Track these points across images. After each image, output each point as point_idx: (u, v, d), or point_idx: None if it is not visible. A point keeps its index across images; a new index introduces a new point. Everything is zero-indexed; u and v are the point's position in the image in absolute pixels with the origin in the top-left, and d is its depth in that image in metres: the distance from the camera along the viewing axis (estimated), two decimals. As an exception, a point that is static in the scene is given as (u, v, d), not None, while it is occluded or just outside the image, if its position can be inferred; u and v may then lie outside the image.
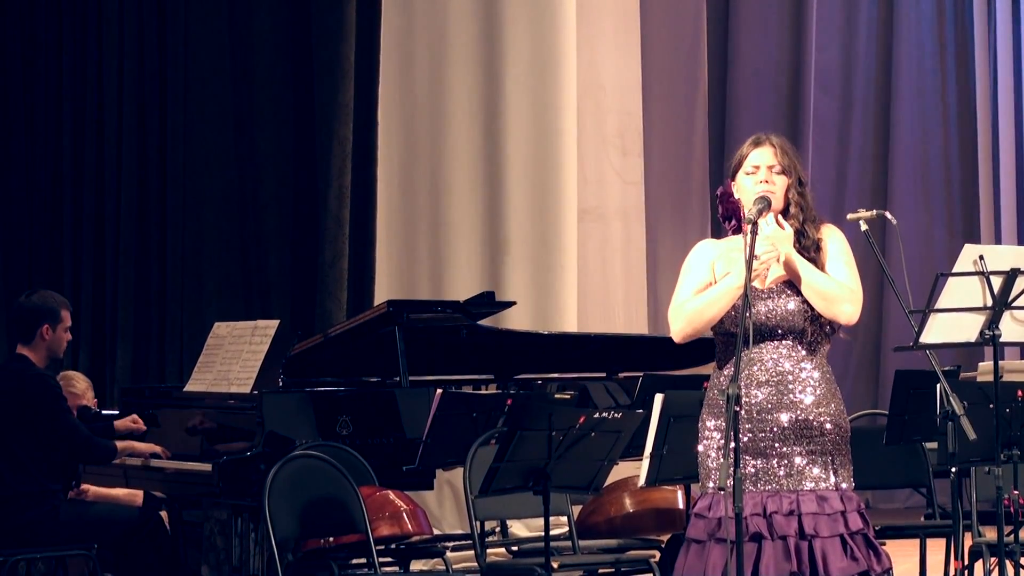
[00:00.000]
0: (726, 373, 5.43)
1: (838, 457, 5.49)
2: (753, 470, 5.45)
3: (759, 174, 5.50)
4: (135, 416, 8.35)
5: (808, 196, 5.56)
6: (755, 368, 5.47)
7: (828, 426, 5.48)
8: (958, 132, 13.92)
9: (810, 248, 5.50)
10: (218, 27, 10.24)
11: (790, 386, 5.47)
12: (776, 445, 5.46)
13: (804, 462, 5.46)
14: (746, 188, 5.50)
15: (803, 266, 5.43)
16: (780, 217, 5.45)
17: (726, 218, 5.62)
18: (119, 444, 8.22)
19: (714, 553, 5.41)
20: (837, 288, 5.45)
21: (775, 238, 5.39)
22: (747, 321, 5.31)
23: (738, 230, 5.55)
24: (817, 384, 5.48)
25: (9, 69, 10.02)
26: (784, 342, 5.48)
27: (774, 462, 5.46)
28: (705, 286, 5.55)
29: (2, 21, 9.93)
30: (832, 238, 5.55)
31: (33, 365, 8.07)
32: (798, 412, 5.45)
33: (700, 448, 5.56)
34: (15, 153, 10.02)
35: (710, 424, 5.53)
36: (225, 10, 10.26)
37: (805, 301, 5.45)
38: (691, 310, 5.51)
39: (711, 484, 5.48)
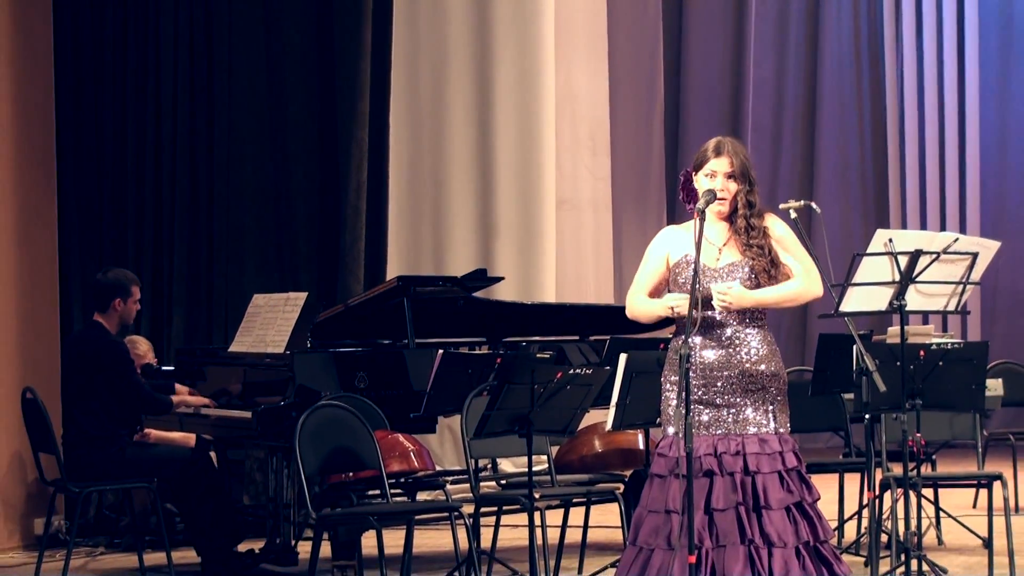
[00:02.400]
0: (681, 337, 5.44)
1: (777, 405, 5.51)
2: (706, 418, 5.47)
3: (716, 181, 5.52)
4: (189, 390, 8.40)
5: (756, 194, 5.57)
6: (707, 334, 5.49)
7: (769, 379, 5.50)
8: (871, 136, 13.95)
9: (758, 237, 5.52)
10: (256, 46, 10.22)
11: (737, 348, 5.49)
12: (725, 396, 5.48)
13: (748, 411, 5.48)
14: (704, 186, 5.53)
15: (767, 297, 5.46)
16: (735, 285, 5.44)
17: (687, 200, 5.64)
18: (174, 398, 8.26)
19: (673, 486, 5.42)
20: (797, 287, 5.51)
21: (738, 301, 5.39)
22: (698, 293, 5.34)
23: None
24: (760, 345, 5.50)
25: (83, 78, 9.99)
26: (732, 312, 5.49)
27: (723, 411, 5.48)
28: (655, 277, 5.60)
29: (77, 37, 9.90)
30: (775, 225, 5.57)
31: (107, 332, 8.11)
32: (743, 369, 5.47)
33: (663, 398, 5.58)
34: (86, 148, 9.99)
35: (671, 379, 5.55)
36: (262, 32, 10.24)
37: (749, 280, 5.47)
38: (633, 307, 5.65)
39: (671, 429, 5.50)
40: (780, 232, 5.58)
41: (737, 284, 5.42)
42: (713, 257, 5.51)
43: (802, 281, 5.53)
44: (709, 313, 5.46)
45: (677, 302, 5.41)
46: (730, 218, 5.57)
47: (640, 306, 5.62)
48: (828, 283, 6.01)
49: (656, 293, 5.65)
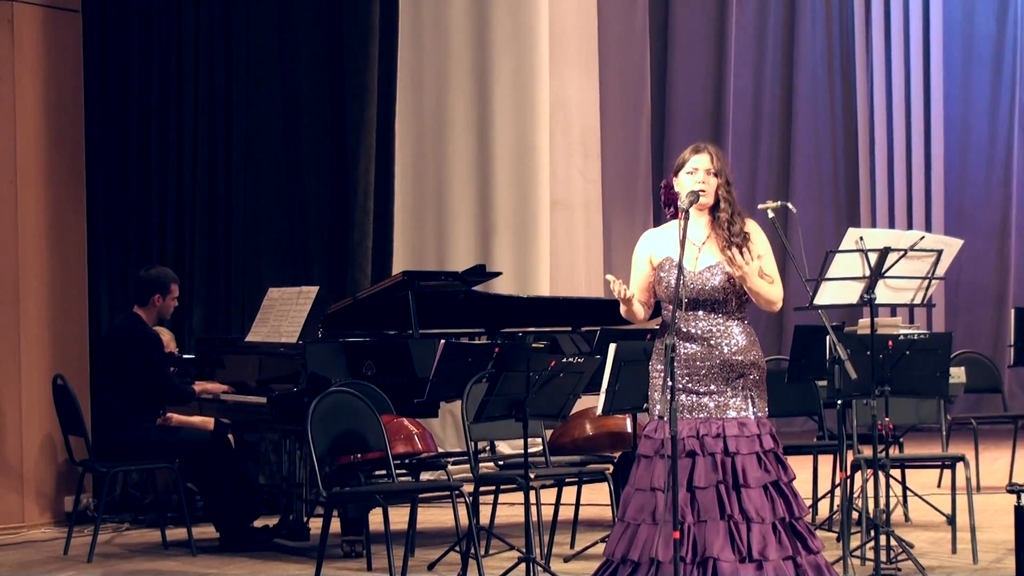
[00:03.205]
0: (667, 329, 5.44)
1: (756, 391, 5.50)
2: (689, 403, 5.46)
3: (697, 175, 5.51)
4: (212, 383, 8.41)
5: (734, 193, 5.56)
6: (690, 328, 5.48)
7: (748, 368, 5.49)
8: (843, 141, 13.96)
9: (739, 236, 5.51)
10: (272, 57, 10.19)
11: (716, 340, 5.48)
12: (708, 384, 5.47)
13: (728, 396, 5.48)
14: (685, 185, 5.50)
15: (760, 282, 5.42)
16: (748, 254, 5.44)
17: (667, 205, 5.64)
18: (196, 387, 8.28)
19: (658, 466, 5.42)
20: (777, 294, 5.47)
21: (751, 270, 5.38)
22: (680, 292, 5.34)
23: (675, 215, 5.56)
24: (738, 337, 5.49)
25: (111, 87, 9.96)
26: (711, 309, 5.50)
27: (705, 397, 5.48)
28: (644, 279, 5.59)
29: (104, 47, 9.88)
30: (757, 233, 5.55)
31: (145, 324, 8.15)
32: (725, 358, 5.47)
33: (650, 385, 5.58)
34: (114, 153, 9.96)
35: (657, 368, 5.55)
36: (277, 45, 10.20)
37: (726, 281, 5.47)
38: (623, 311, 5.59)
39: (656, 414, 5.50)
40: (761, 243, 5.55)
41: (755, 264, 5.39)
42: (692, 258, 5.50)
43: (778, 293, 5.51)
44: (691, 307, 5.48)
45: (613, 287, 5.41)
46: (712, 213, 5.56)
47: (622, 310, 5.62)
48: (803, 277, 6.02)
49: (647, 294, 5.63)
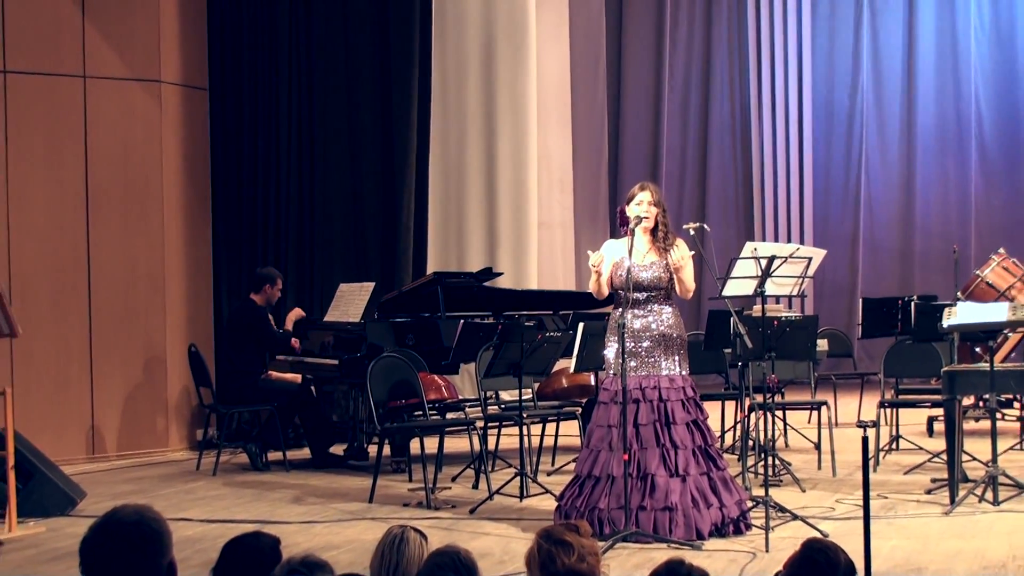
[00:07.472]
0: (619, 311, 5.46)
1: (681, 355, 5.53)
2: (634, 364, 5.48)
3: (642, 207, 5.54)
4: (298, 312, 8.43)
5: (667, 219, 5.61)
6: (635, 308, 5.50)
7: (676, 339, 5.52)
8: (742, 180, 13.95)
9: (670, 249, 5.54)
10: (340, 124, 10.18)
11: (653, 317, 5.50)
12: (647, 350, 5.49)
13: (662, 359, 5.50)
14: (634, 212, 5.54)
15: (687, 275, 5.50)
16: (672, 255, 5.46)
17: (622, 224, 5.67)
18: (294, 341, 8.32)
19: (613, 410, 5.45)
20: (691, 285, 5.56)
21: (686, 255, 5.45)
22: (630, 283, 5.35)
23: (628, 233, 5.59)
24: (669, 316, 5.53)
25: (228, 138, 9.92)
26: (651, 293, 5.52)
27: (645, 359, 5.50)
28: (606, 272, 5.58)
29: (224, 111, 9.85)
30: (681, 248, 5.57)
31: (258, 306, 8.17)
32: (660, 331, 5.49)
33: (605, 352, 5.60)
34: (231, 186, 9.86)
35: (611, 340, 5.56)
36: (345, 116, 10.18)
37: (663, 272, 5.50)
38: (592, 284, 5.57)
39: (611, 372, 5.52)
40: (683, 256, 5.57)
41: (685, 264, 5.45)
42: (640, 256, 5.55)
43: (693, 283, 5.58)
44: (636, 295, 5.49)
45: (593, 260, 5.41)
46: (653, 232, 5.59)
47: (590, 287, 5.62)
48: (715, 276, 6.03)
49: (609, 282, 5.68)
